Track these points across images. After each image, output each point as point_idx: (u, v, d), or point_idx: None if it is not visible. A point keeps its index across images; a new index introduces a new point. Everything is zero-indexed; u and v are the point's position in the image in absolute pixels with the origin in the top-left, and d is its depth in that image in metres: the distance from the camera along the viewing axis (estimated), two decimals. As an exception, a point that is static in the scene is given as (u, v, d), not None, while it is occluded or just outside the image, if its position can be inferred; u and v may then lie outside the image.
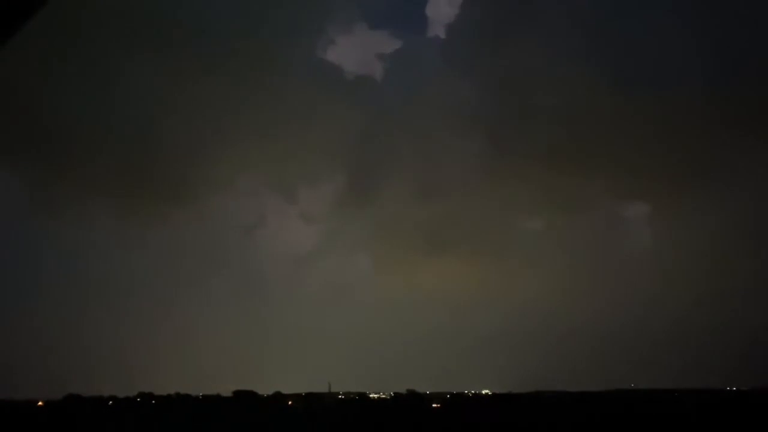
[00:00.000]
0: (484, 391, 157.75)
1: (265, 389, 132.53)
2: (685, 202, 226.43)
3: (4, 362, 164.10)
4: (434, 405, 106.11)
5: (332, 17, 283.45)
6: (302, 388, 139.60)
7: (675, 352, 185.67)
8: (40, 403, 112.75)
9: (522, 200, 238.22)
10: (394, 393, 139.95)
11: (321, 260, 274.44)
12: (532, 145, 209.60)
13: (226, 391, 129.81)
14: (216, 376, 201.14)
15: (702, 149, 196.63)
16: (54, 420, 77.87)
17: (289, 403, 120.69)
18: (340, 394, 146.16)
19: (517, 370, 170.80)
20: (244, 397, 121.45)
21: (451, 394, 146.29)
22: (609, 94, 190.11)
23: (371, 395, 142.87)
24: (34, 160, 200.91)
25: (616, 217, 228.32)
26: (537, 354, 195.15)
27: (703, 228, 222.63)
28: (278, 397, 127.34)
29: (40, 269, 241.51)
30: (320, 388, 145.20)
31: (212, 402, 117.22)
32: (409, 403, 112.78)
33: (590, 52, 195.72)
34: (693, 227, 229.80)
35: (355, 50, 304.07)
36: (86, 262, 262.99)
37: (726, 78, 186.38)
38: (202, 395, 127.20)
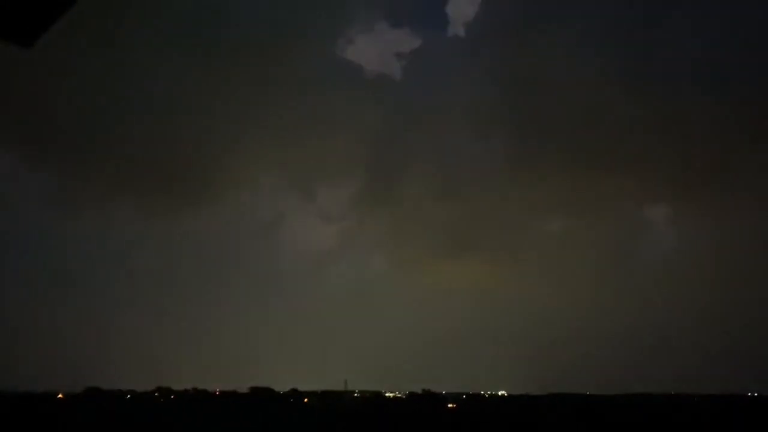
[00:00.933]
0: (500, 393, 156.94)
1: (281, 386, 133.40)
2: (707, 204, 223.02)
3: (25, 355, 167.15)
4: (450, 405, 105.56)
5: (352, 16, 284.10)
6: (319, 386, 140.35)
7: (695, 356, 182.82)
8: (60, 396, 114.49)
9: (541, 201, 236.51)
10: (409, 392, 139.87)
11: (339, 258, 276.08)
12: (552, 145, 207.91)
13: (243, 387, 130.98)
14: (233, 373, 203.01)
15: (724, 150, 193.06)
16: (73, 412, 78.73)
17: (306, 400, 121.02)
18: (356, 393, 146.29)
19: (534, 371, 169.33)
20: (261, 393, 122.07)
21: (467, 394, 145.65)
22: (629, 95, 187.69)
23: (387, 394, 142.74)
24: (57, 159, 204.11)
25: (637, 219, 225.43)
26: (554, 356, 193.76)
27: (726, 230, 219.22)
28: (295, 395, 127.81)
29: (60, 265, 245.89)
30: (337, 386, 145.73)
31: (229, 398, 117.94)
32: (425, 402, 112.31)
33: (611, 53, 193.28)
34: (716, 229, 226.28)
35: (375, 49, 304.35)
36: (106, 258, 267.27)
37: (747, 79, 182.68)
38: (219, 391, 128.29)
